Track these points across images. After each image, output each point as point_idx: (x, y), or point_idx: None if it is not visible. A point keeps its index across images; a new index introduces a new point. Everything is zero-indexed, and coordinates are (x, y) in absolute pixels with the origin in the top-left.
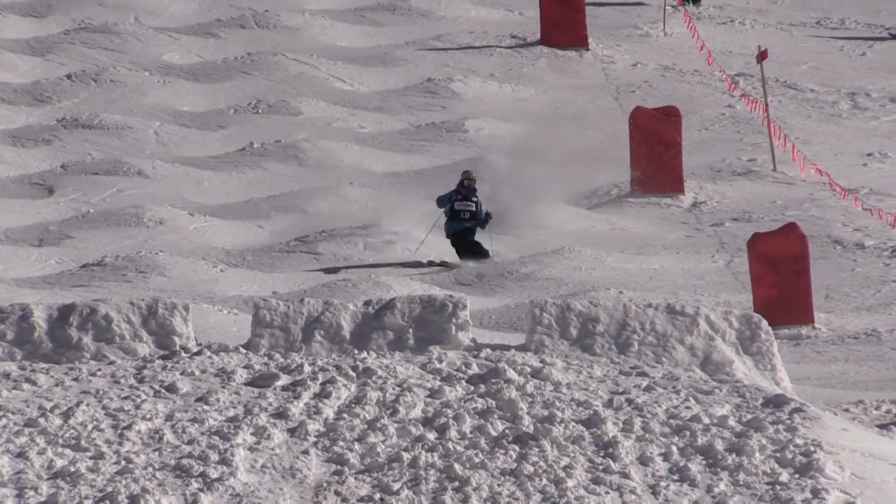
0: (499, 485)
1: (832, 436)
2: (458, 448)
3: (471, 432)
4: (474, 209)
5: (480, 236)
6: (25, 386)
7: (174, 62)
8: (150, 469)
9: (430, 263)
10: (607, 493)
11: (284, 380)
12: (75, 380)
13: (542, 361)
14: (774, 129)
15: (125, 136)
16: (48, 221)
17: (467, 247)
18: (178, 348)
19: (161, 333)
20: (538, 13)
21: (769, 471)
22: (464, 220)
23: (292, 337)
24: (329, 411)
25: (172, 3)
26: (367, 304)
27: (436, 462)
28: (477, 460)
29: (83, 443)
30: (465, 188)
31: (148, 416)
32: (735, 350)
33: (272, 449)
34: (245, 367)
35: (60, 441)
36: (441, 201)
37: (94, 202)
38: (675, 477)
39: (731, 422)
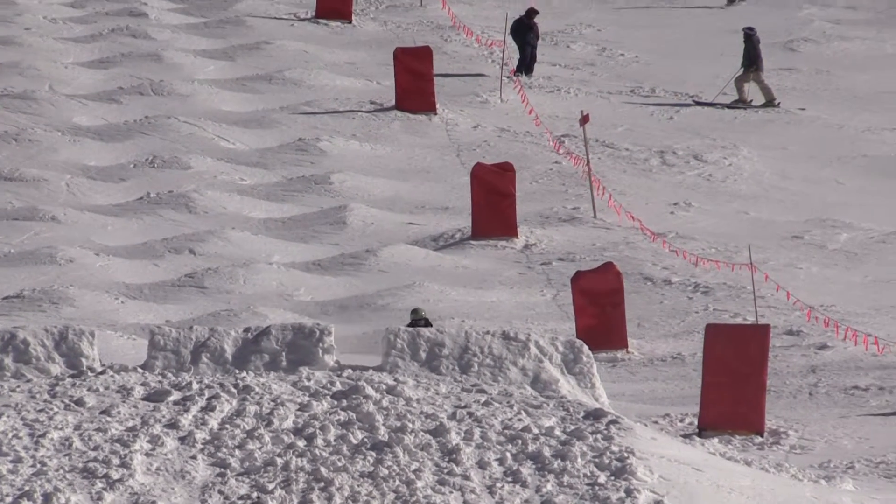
0: (358, 485)
1: (643, 444)
2: (324, 454)
3: (335, 440)
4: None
5: None
6: None
7: (83, 124)
8: (62, 471)
9: None
10: (451, 492)
11: (176, 395)
12: None
13: (395, 380)
14: (594, 182)
15: (41, 187)
16: None
17: None
18: (85, 368)
19: (71, 355)
20: (393, 83)
21: (589, 474)
22: None
23: (182, 359)
24: (214, 422)
25: (81, 73)
26: (246, 330)
27: (304, 466)
28: (340, 464)
29: (4, 448)
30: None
31: (60, 426)
32: (560, 371)
33: (165, 454)
34: (142, 385)
35: None
36: None
37: (15, 243)
38: (509, 479)
39: (557, 432)
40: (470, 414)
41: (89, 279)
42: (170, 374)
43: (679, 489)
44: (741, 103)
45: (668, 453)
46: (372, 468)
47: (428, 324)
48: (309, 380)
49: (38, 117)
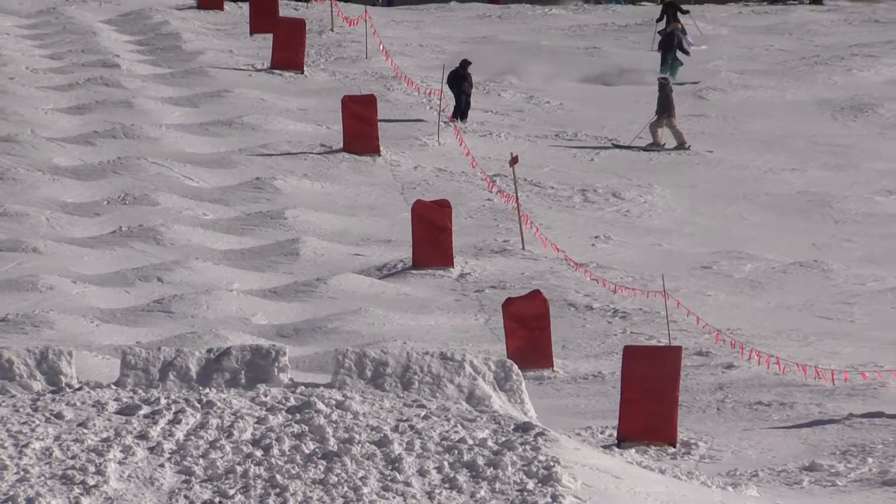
0: (311, 491)
1: (567, 454)
2: (279, 462)
3: (289, 450)
4: None
5: None
6: None
7: (61, 164)
8: (43, 478)
9: None
10: (394, 498)
11: (146, 409)
12: None
13: (344, 396)
14: (523, 217)
15: (23, 221)
16: None
17: None
18: (64, 385)
19: (51, 373)
20: (341, 127)
21: (519, 481)
22: None
23: (151, 376)
24: (180, 434)
25: (60, 118)
26: (209, 351)
27: (262, 473)
28: (294, 472)
29: None
30: None
31: (41, 437)
32: (493, 388)
33: (136, 463)
34: (115, 400)
35: None
36: None
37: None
38: (447, 486)
39: (490, 443)
40: (411, 427)
41: (67, 304)
42: (140, 391)
43: (600, 495)
44: (655, 146)
45: (590, 462)
46: (323, 475)
47: None
48: (266, 396)
49: (21, 158)
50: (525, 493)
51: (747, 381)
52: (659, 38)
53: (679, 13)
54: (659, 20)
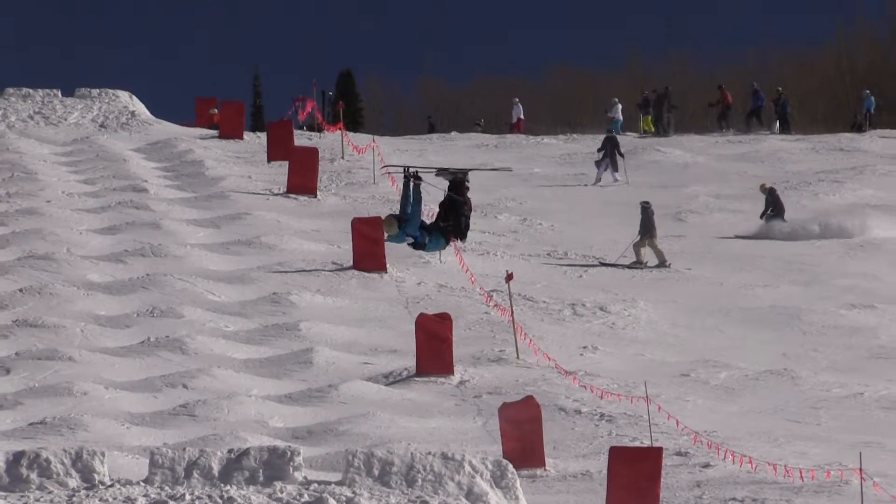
0: None
1: None
2: None
3: None
4: None
5: None
6: None
7: (94, 280)
8: None
9: None
10: None
11: None
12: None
13: (353, 492)
14: (518, 329)
15: (60, 333)
16: (5, 393)
17: None
18: (97, 482)
19: (85, 471)
20: (351, 247)
21: None
22: None
23: (177, 474)
24: None
25: (93, 238)
26: (230, 451)
27: None
28: None
29: None
30: None
31: None
32: (490, 485)
33: None
34: (144, 496)
35: None
36: None
37: (38, 379)
38: None
39: None
40: None
41: (100, 409)
42: (167, 487)
43: None
44: (639, 264)
45: None
46: None
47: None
48: (282, 492)
49: (58, 275)
50: None
51: (723, 479)
52: (600, 167)
53: (618, 153)
54: (600, 150)
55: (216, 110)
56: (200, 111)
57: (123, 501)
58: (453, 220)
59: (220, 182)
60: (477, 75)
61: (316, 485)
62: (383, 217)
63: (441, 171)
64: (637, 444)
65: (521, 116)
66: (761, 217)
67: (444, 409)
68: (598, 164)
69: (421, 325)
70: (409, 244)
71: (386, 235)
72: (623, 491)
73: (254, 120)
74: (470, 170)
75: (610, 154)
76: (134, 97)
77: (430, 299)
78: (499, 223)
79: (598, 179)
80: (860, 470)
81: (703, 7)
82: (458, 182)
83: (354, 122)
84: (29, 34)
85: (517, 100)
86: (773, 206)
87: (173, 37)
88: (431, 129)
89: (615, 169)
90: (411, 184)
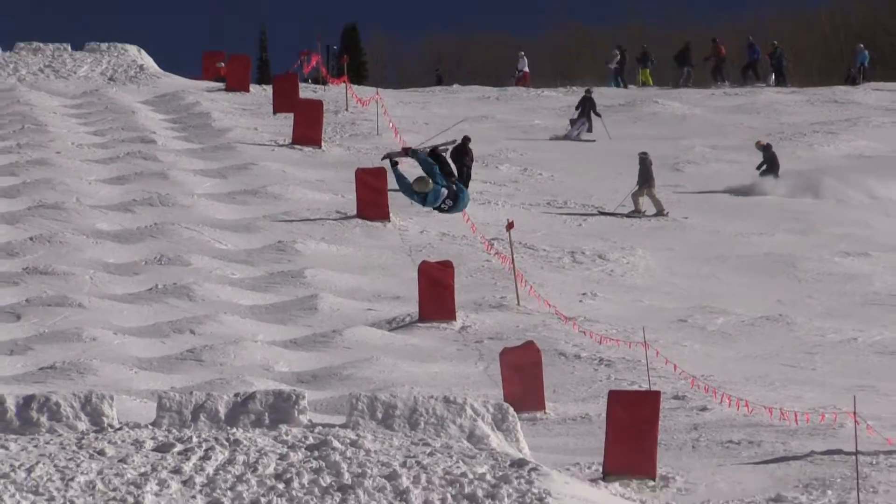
0: None
1: (558, 486)
2: (300, 494)
3: (308, 483)
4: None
5: None
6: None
7: (104, 229)
8: None
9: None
10: None
11: (179, 447)
12: (35, 446)
13: (357, 435)
14: (518, 276)
15: (70, 280)
16: (16, 338)
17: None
18: (106, 425)
19: (94, 415)
20: (355, 196)
21: None
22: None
23: (184, 418)
24: (210, 469)
25: (102, 188)
26: (236, 395)
27: None
28: (312, 503)
29: (40, 489)
30: None
31: (85, 471)
32: (491, 428)
33: (171, 494)
34: (152, 439)
35: (24, 488)
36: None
37: (48, 325)
38: None
39: (488, 477)
40: (418, 462)
41: (109, 354)
42: (174, 430)
43: None
44: (637, 213)
45: (579, 494)
46: None
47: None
48: (287, 435)
49: (68, 224)
50: None
51: (719, 422)
52: (573, 128)
53: (594, 112)
54: (577, 108)
55: (223, 64)
56: (207, 65)
57: (132, 444)
58: (457, 169)
59: (226, 133)
60: (480, 31)
61: (320, 427)
62: (412, 180)
63: (412, 152)
64: (635, 387)
65: (527, 69)
66: (757, 169)
67: (446, 353)
68: (572, 122)
69: (423, 272)
70: (433, 206)
71: (421, 196)
72: (621, 433)
73: (260, 73)
74: (435, 146)
75: (587, 115)
76: (142, 51)
77: (433, 247)
78: (500, 173)
79: (569, 136)
80: (854, 413)
81: None
82: (436, 153)
83: (358, 76)
84: None
85: (523, 53)
86: (769, 163)
87: None
88: (439, 81)
89: (589, 130)
90: (398, 168)
